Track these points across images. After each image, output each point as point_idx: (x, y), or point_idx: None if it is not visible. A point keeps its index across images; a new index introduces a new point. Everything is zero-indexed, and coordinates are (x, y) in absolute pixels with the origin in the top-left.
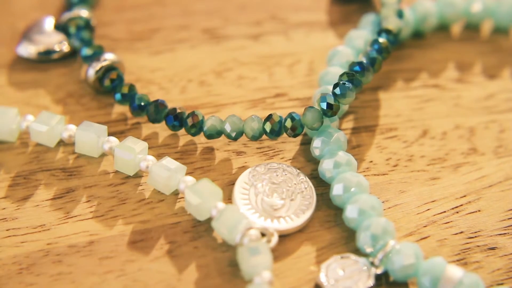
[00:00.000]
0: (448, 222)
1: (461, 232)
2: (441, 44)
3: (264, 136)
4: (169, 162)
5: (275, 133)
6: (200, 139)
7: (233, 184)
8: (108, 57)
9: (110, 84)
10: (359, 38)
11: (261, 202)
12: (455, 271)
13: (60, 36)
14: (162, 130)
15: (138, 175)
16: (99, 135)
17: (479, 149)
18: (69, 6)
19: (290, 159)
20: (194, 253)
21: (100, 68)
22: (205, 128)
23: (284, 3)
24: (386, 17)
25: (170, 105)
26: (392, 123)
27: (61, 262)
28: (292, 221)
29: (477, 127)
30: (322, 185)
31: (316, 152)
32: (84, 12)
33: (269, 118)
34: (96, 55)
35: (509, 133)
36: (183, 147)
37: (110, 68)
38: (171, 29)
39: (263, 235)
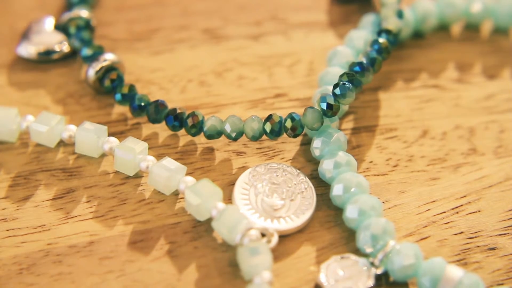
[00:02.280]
0: (448, 223)
1: (461, 233)
2: (441, 44)
3: (264, 137)
4: (169, 162)
5: (275, 134)
6: (200, 139)
7: (233, 184)
8: (108, 57)
9: (110, 84)
10: (359, 38)
11: (261, 202)
12: (455, 272)
13: (60, 36)
14: (162, 130)
15: (138, 176)
16: (99, 135)
17: (479, 149)
18: (69, 6)
19: (290, 160)
20: (194, 253)
21: (100, 68)
22: (205, 129)
23: (284, 3)
24: (386, 17)
25: (170, 105)
26: (392, 123)
27: (61, 262)
28: (292, 222)
29: (477, 127)
30: (322, 186)
31: (316, 153)
32: (84, 12)
33: (269, 118)
34: (96, 55)
35: (509, 133)
36: (183, 148)
37: (110, 68)
38: (171, 29)
39: (263, 235)
